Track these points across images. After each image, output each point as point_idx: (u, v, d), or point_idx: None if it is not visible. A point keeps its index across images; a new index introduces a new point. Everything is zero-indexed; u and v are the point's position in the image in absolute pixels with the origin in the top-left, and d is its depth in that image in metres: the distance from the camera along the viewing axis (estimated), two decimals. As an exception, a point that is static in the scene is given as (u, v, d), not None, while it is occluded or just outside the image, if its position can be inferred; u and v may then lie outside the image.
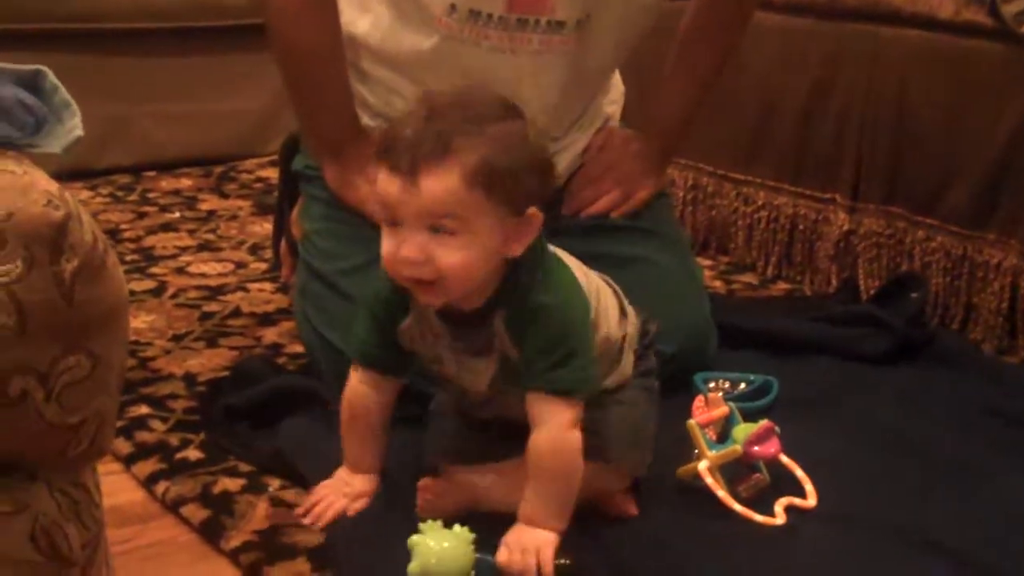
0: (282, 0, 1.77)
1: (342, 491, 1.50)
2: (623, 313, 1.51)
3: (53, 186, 0.85)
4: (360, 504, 1.49)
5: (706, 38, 1.93)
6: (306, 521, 1.48)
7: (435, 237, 1.31)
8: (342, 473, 1.52)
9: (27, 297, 0.82)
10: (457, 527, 1.35)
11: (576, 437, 1.38)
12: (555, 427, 1.37)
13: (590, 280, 1.46)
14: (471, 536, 1.34)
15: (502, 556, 1.35)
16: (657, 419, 1.53)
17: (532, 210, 1.35)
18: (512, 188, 1.32)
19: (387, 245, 1.34)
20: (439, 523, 1.35)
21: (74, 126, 0.92)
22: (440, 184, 1.30)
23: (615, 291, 1.52)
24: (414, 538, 1.34)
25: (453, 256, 1.31)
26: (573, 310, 1.39)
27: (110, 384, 0.89)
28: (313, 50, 1.79)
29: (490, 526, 1.39)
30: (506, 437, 1.47)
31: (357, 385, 1.50)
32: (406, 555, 1.33)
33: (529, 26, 1.73)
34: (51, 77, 0.93)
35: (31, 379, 0.83)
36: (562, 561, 1.36)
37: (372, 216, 1.75)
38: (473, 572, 1.34)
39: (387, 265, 1.36)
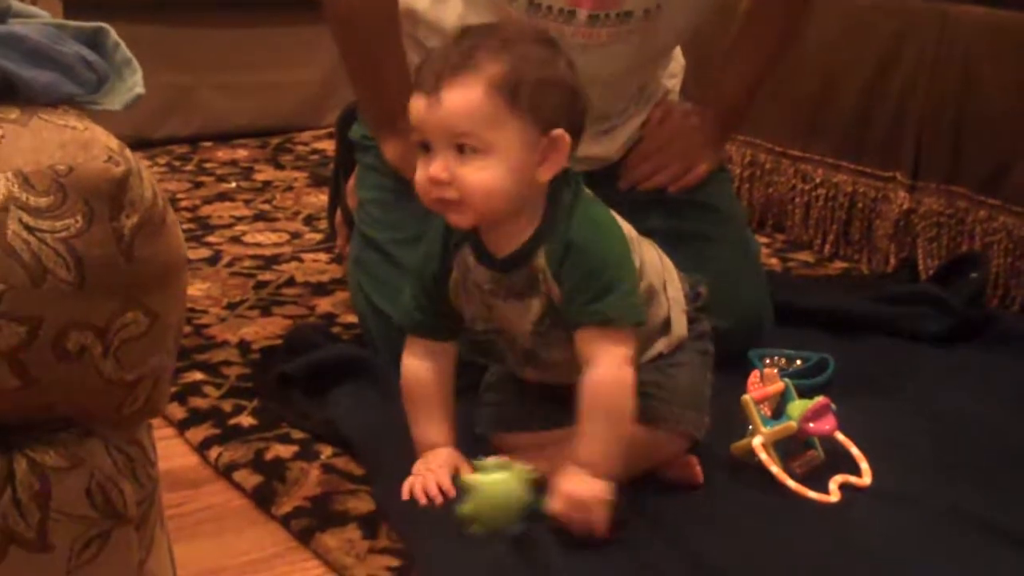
0: None
1: (434, 470, 1.46)
2: (668, 280, 1.51)
3: (114, 142, 0.85)
4: (464, 469, 1.43)
5: (770, 17, 1.91)
6: (423, 502, 1.43)
7: (460, 157, 1.34)
8: (419, 464, 1.48)
9: (86, 252, 0.82)
10: (516, 465, 1.33)
11: (629, 375, 1.36)
12: (606, 364, 1.36)
13: (629, 229, 1.46)
14: (528, 476, 1.33)
15: (556, 506, 1.34)
16: (713, 382, 1.52)
17: (559, 131, 1.36)
18: (536, 100, 1.34)
19: (419, 171, 1.37)
20: (494, 461, 1.33)
21: (135, 83, 0.92)
22: (462, 96, 1.33)
23: (659, 253, 1.51)
24: (467, 478, 1.33)
25: (477, 175, 1.34)
26: (609, 244, 1.39)
27: (167, 343, 0.89)
28: (369, 23, 1.78)
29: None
30: (555, 406, 1.47)
31: (411, 360, 1.49)
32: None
33: (599, 21, 1.72)
34: (113, 35, 0.93)
35: (89, 334, 0.83)
36: (612, 516, 1.34)
37: None
38: (528, 513, 1.33)
39: (420, 191, 1.38)
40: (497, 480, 1.32)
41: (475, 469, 1.34)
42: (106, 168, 0.83)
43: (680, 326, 1.50)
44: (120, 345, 0.85)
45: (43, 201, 0.81)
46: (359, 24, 1.78)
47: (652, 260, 1.48)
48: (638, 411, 1.39)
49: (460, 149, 1.34)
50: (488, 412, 1.55)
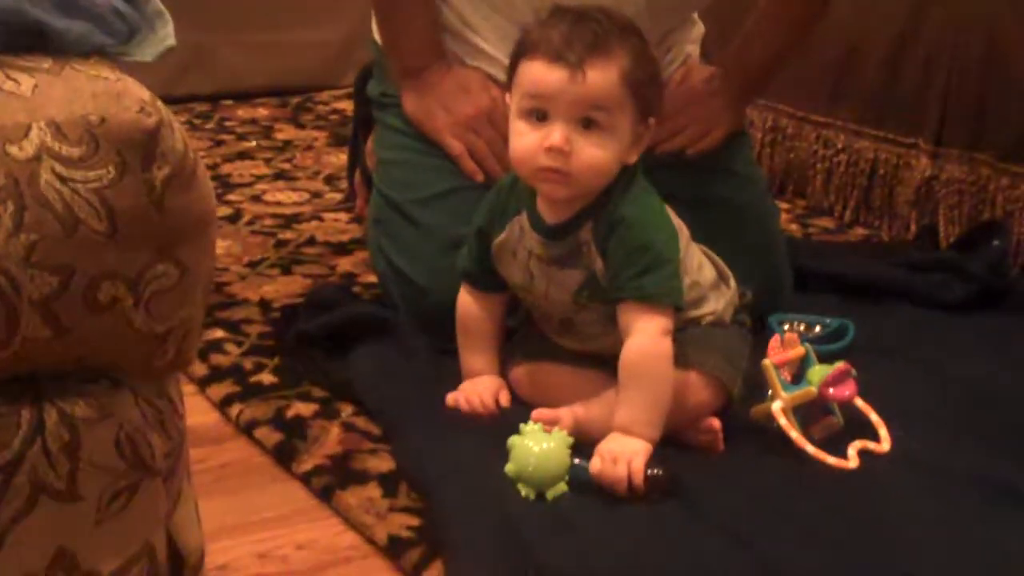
0: None
1: (477, 391, 1.55)
2: (723, 281, 1.57)
3: (146, 93, 0.84)
4: (504, 397, 1.56)
5: None
6: (464, 408, 1.54)
7: (582, 131, 1.40)
8: (466, 384, 1.57)
9: (118, 203, 0.82)
10: (556, 431, 1.38)
11: (667, 345, 1.42)
12: (646, 335, 1.42)
13: (681, 230, 1.51)
14: (570, 440, 1.38)
15: (595, 465, 1.38)
16: (749, 354, 1.55)
17: (652, 120, 1.46)
18: (647, 94, 1.44)
19: (528, 138, 1.43)
20: (539, 426, 1.39)
21: (167, 35, 0.91)
22: (605, 76, 1.40)
23: (714, 261, 1.58)
24: (513, 439, 1.38)
25: (594, 151, 1.41)
26: (655, 224, 1.46)
27: (196, 295, 0.89)
28: None
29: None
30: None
31: (465, 297, 1.58)
32: (500, 456, 1.38)
33: None
34: (144, -15, 0.93)
35: (121, 285, 0.83)
36: (654, 471, 1.37)
37: (448, 146, 1.76)
38: (567, 477, 1.37)
39: (522, 156, 1.44)
40: (539, 443, 1.37)
41: (519, 433, 1.39)
42: (138, 119, 0.83)
43: (726, 315, 1.56)
44: (151, 297, 0.85)
45: (76, 151, 0.81)
46: None
47: (699, 263, 1.54)
48: (676, 356, 1.44)
49: (585, 124, 1.41)
50: (515, 346, 1.61)
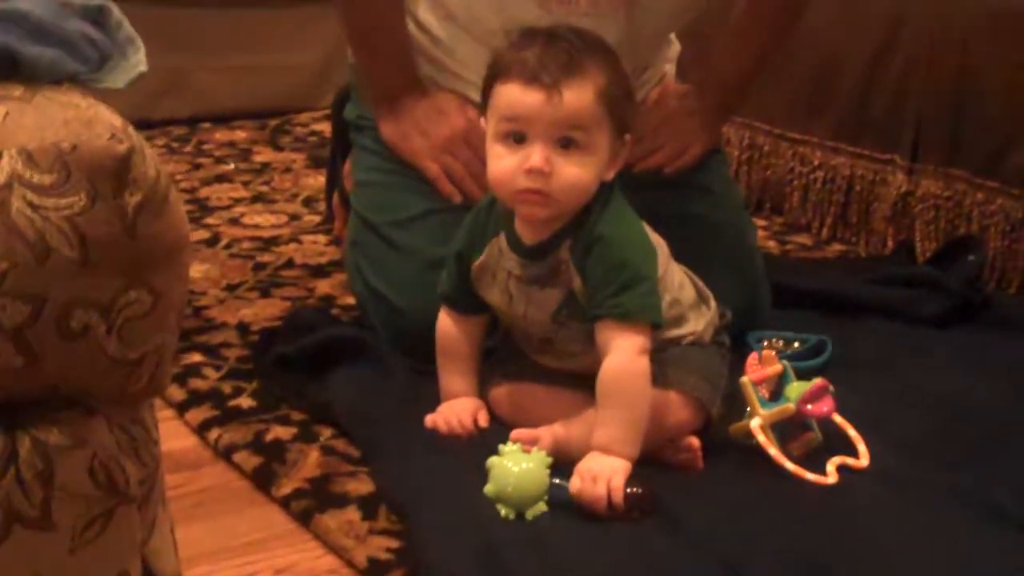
0: None
1: (455, 411, 1.55)
2: (703, 302, 1.57)
3: (117, 120, 0.84)
4: (483, 417, 1.56)
5: (771, 2, 1.90)
6: (443, 430, 1.54)
7: (561, 151, 1.41)
8: (445, 406, 1.57)
9: (90, 230, 0.82)
10: (535, 451, 1.38)
11: (644, 363, 1.42)
12: (623, 353, 1.42)
13: (661, 247, 1.52)
14: (548, 460, 1.38)
15: (574, 485, 1.38)
16: (727, 374, 1.56)
17: (628, 136, 1.47)
18: (622, 111, 1.45)
19: (506, 161, 1.43)
20: (517, 446, 1.39)
21: (138, 61, 0.92)
22: (581, 96, 1.41)
23: (694, 281, 1.58)
24: (492, 460, 1.39)
25: (574, 170, 1.42)
26: (633, 242, 1.47)
27: (170, 321, 0.89)
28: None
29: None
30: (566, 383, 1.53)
31: (445, 319, 1.59)
32: (479, 478, 1.38)
33: None
34: (116, 12, 0.93)
35: (93, 313, 0.83)
36: (633, 490, 1.37)
37: (425, 169, 1.76)
38: (547, 497, 1.37)
39: (501, 179, 1.44)
40: (517, 463, 1.37)
41: (499, 454, 1.39)
42: (110, 146, 0.83)
43: (706, 335, 1.56)
44: (124, 323, 0.85)
45: (47, 179, 0.81)
46: (365, 1, 1.80)
47: (679, 281, 1.54)
48: (652, 376, 1.44)
49: (564, 144, 1.41)
50: (495, 364, 1.61)
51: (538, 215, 1.45)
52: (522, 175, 1.41)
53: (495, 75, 1.45)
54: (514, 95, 1.42)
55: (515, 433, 1.46)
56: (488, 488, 1.37)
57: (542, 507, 1.37)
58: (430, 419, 1.55)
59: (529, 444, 1.43)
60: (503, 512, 1.36)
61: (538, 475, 1.37)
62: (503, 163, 1.43)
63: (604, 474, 1.37)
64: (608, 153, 1.45)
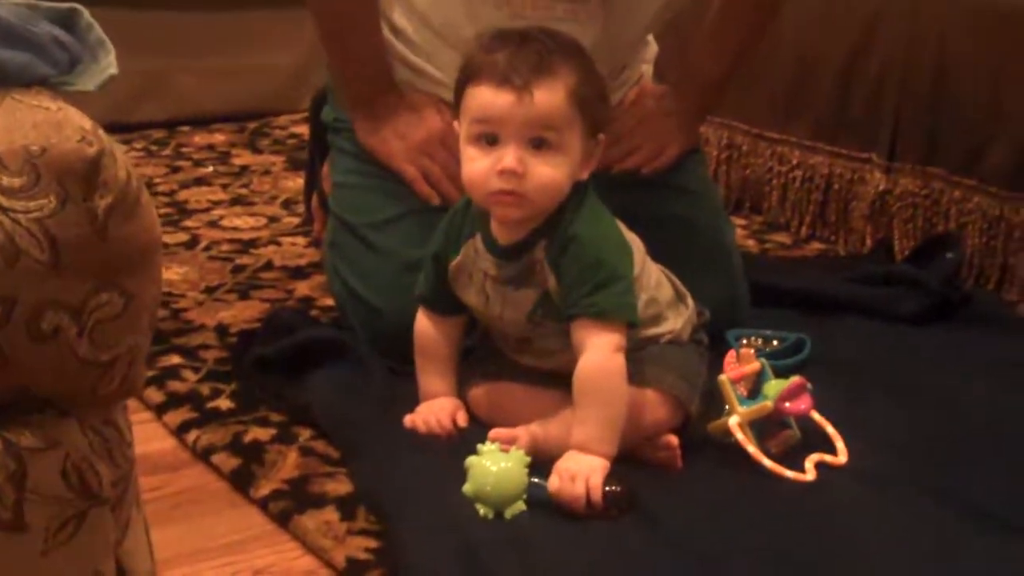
0: None
1: (434, 412, 1.55)
2: (680, 300, 1.58)
3: (87, 122, 0.84)
4: (461, 417, 1.55)
5: (746, 2, 1.91)
6: (422, 430, 1.53)
7: (535, 152, 1.41)
8: (423, 406, 1.57)
9: (60, 232, 0.82)
10: (513, 450, 1.39)
11: (620, 361, 1.43)
12: (599, 351, 1.42)
13: (636, 246, 1.52)
14: (527, 459, 1.39)
15: (553, 484, 1.38)
16: (706, 373, 1.56)
17: (602, 136, 1.47)
18: (595, 111, 1.45)
19: (480, 163, 1.43)
20: (496, 446, 1.40)
21: (108, 64, 0.91)
22: (552, 97, 1.41)
23: (671, 280, 1.58)
24: (471, 459, 1.39)
25: (547, 171, 1.42)
26: (608, 241, 1.47)
27: (142, 323, 0.89)
28: (347, 4, 1.79)
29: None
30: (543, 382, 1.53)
31: (423, 320, 1.59)
32: (458, 478, 1.38)
33: None
34: (86, 15, 0.93)
35: (64, 315, 0.83)
36: (611, 488, 1.37)
37: (402, 172, 1.76)
38: (526, 496, 1.37)
39: (475, 180, 1.45)
40: (496, 462, 1.38)
41: (477, 454, 1.39)
42: (79, 148, 0.83)
43: (684, 333, 1.57)
44: (95, 325, 0.85)
45: (16, 181, 0.81)
46: (337, 5, 1.79)
47: (657, 280, 1.55)
48: (630, 374, 1.44)
49: (536, 145, 1.41)
50: (473, 364, 1.61)
51: (512, 216, 1.46)
52: (495, 176, 1.42)
53: (467, 77, 1.46)
54: (485, 97, 1.42)
55: (493, 432, 1.46)
56: (467, 488, 1.38)
57: (521, 506, 1.37)
58: (409, 419, 1.56)
59: (507, 444, 1.43)
60: (482, 512, 1.37)
61: (517, 474, 1.37)
62: (476, 165, 1.44)
63: (583, 473, 1.37)
64: (581, 153, 1.45)
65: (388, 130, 1.80)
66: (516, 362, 1.57)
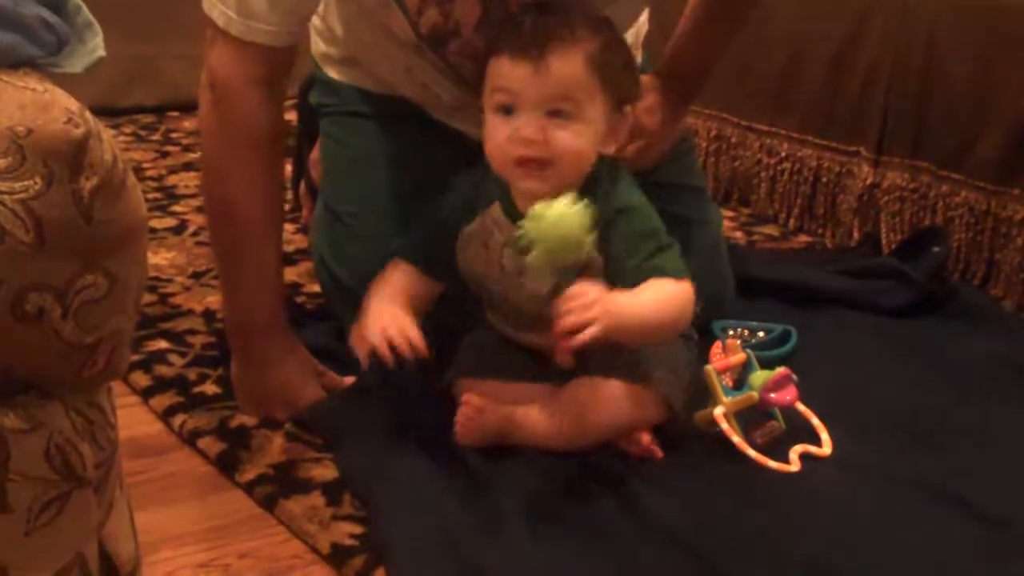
0: (219, 159, 1.67)
1: (384, 323, 1.44)
2: None
3: (74, 104, 0.84)
4: (413, 333, 1.43)
5: None
6: (380, 345, 1.42)
7: (553, 121, 1.39)
8: (369, 318, 1.46)
9: (45, 213, 0.82)
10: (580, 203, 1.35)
11: (691, 292, 1.41)
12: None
13: None
14: (591, 213, 1.35)
15: (572, 290, 1.34)
16: (695, 367, 1.55)
17: (629, 108, 1.45)
18: (619, 81, 1.44)
19: (500, 131, 1.42)
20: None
21: (96, 46, 0.92)
22: (568, 65, 1.39)
23: None
24: (536, 207, 1.35)
25: (569, 139, 1.40)
26: (654, 211, 1.46)
27: (127, 305, 0.89)
28: (248, 217, 1.57)
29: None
30: (532, 363, 1.52)
31: (393, 270, 1.52)
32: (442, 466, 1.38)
33: None
34: (74, -3, 0.93)
35: (48, 296, 0.83)
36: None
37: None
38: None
39: (497, 149, 1.43)
40: (564, 207, 1.35)
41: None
42: (65, 130, 0.83)
43: None
44: (79, 307, 0.85)
45: (1, 162, 0.81)
46: (238, 215, 1.57)
47: None
48: (619, 372, 1.43)
49: (554, 114, 1.40)
50: (463, 357, 1.57)
51: (535, 188, 1.42)
52: (516, 142, 1.40)
53: (490, 49, 1.45)
54: (504, 68, 1.42)
55: (466, 396, 1.46)
56: (529, 231, 1.33)
57: (576, 260, 1.34)
58: (357, 338, 1.46)
59: (475, 415, 1.43)
60: (540, 257, 1.34)
61: (581, 221, 1.33)
62: (496, 133, 1.43)
63: (603, 303, 1.32)
64: (604, 124, 1.43)
65: (259, 371, 1.60)
66: (505, 358, 1.55)
